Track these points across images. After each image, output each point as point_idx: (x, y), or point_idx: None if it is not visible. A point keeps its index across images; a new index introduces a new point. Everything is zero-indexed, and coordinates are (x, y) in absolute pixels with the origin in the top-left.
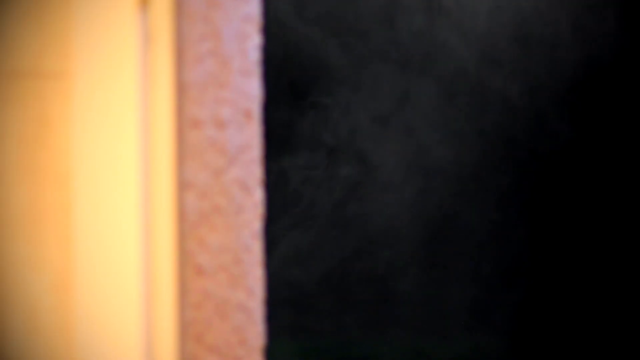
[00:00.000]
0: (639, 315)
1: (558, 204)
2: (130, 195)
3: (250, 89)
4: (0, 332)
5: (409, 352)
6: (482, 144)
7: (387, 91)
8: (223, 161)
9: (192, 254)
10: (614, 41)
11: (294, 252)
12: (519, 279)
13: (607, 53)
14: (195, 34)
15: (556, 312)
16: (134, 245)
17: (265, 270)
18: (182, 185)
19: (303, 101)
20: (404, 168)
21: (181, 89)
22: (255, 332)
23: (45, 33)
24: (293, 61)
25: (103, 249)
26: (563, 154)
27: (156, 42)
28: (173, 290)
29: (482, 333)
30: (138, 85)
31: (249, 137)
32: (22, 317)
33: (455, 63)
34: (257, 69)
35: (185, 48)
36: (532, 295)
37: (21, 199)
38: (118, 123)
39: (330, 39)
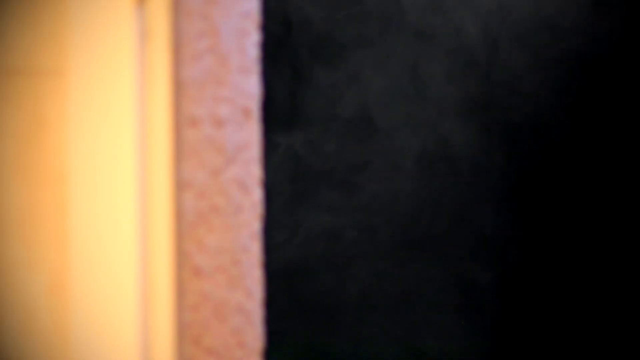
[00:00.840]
0: (635, 315)
1: (556, 193)
2: (127, 195)
3: (249, 87)
4: None
5: (410, 352)
6: (486, 122)
7: (394, 66)
8: (221, 160)
9: (190, 254)
10: (621, 27)
11: (297, 237)
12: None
13: (615, 40)
14: (193, 31)
15: (557, 312)
16: (130, 245)
17: (264, 271)
18: (180, 185)
19: (307, 75)
20: (410, 146)
21: (179, 87)
22: (254, 334)
23: (40, 30)
24: (298, 34)
25: (99, 249)
26: (566, 135)
27: (153, 39)
28: (170, 292)
29: (481, 331)
30: (135, 83)
31: (248, 135)
32: (17, 318)
33: (462, 37)
34: (256, 66)
35: (183, 45)
36: (531, 295)
37: (16, 198)
38: (114, 121)
39: (336, 11)
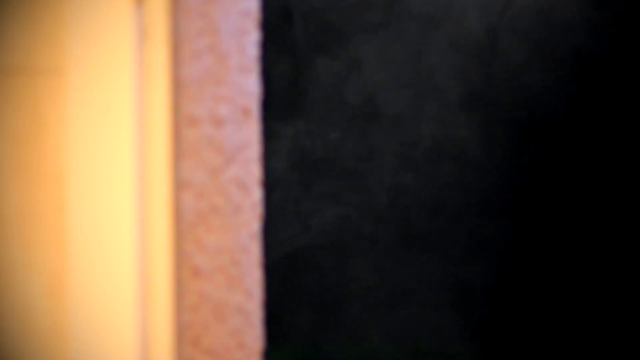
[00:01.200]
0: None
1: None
2: (126, 195)
3: (248, 86)
4: None
5: (410, 351)
6: (488, 115)
7: (397, 54)
8: (221, 160)
9: (189, 255)
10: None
11: (299, 230)
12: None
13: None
14: (193, 30)
15: (556, 312)
16: (129, 246)
17: (264, 271)
18: (179, 185)
19: (310, 65)
20: (413, 138)
21: (178, 86)
22: (254, 335)
23: (39, 29)
24: (300, 23)
25: (98, 249)
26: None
27: (152, 37)
28: (169, 292)
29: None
30: (133, 82)
31: (248, 135)
32: (16, 318)
33: (465, 27)
34: (256, 65)
35: (182, 44)
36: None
37: (14, 198)
38: (113, 121)
39: (338, 0)
